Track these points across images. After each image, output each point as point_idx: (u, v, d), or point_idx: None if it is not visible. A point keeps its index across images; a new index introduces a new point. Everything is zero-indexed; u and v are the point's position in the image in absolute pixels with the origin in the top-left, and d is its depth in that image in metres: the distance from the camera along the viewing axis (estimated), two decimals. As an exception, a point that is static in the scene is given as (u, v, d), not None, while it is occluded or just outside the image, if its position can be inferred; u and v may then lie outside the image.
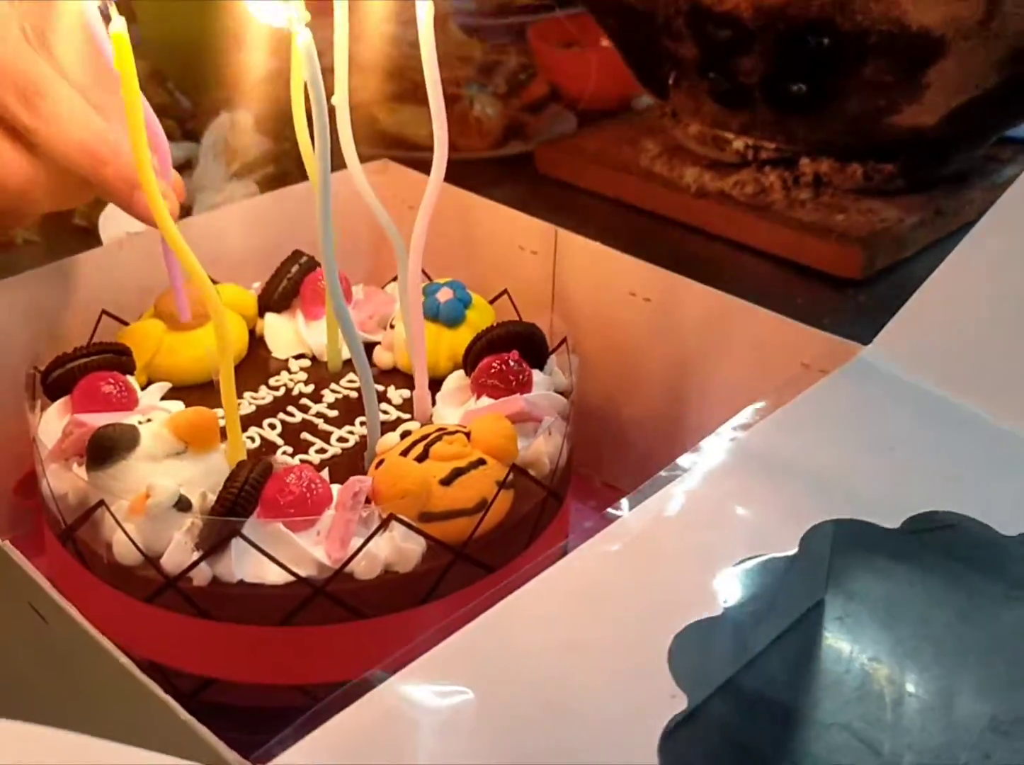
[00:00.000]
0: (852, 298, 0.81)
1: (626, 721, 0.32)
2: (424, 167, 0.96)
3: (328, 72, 1.04)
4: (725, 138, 0.88)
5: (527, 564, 0.44)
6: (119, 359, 0.50)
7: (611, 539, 0.37)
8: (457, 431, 0.45)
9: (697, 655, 0.34)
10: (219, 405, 0.46)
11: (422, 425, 0.49)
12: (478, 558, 0.44)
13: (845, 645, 0.47)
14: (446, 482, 0.43)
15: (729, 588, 0.35)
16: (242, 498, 0.41)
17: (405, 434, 0.47)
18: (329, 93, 1.05)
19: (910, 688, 0.46)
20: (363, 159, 0.51)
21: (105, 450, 0.44)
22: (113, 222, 0.60)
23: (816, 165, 0.87)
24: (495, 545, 0.45)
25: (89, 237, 0.69)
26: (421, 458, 0.44)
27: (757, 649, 0.46)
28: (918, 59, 0.73)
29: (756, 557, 0.37)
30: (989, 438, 0.42)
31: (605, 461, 0.60)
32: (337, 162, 0.66)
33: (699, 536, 0.38)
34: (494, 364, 0.49)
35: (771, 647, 0.48)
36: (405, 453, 0.44)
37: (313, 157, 0.50)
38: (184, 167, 0.93)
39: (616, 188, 0.93)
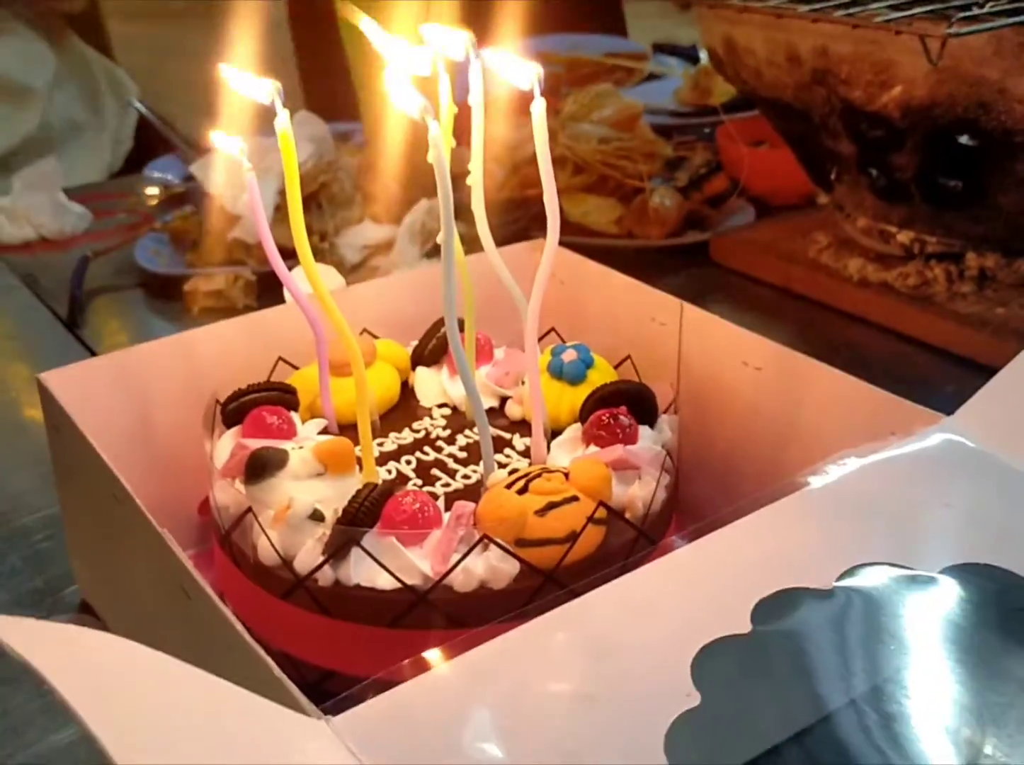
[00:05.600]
0: (1004, 389, 0.82)
1: (643, 711, 0.36)
2: (602, 251, 1.04)
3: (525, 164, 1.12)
4: (890, 232, 0.91)
5: (615, 595, 0.49)
6: (285, 397, 0.58)
7: (664, 565, 0.42)
8: (557, 471, 0.51)
9: (721, 666, 0.38)
10: (374, 437, 0.54)
11: (538, 468, 0.55)
12: (567, 583, 0.49)
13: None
14: (541, 513, 0.49)
15: (760, 614, 0.39)
16: (362, 512, 0.48)
17: (514, 472, 0.53)
18: (531, 181, 1.12)
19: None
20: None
21: (258, 468, 0.52)
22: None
23: (982, 260, 0.88)
24: (584, 574, 0.49)
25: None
26: (522, 491, 0.50)
27: (830, 695, 0.49)
28: (1068, 157, 0.75)
29: (793, 589, 0.40)
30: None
31: (719, 511, 0.64)
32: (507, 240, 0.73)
33: (741, 567, 0.42)
34: (603, 417, 0.55)
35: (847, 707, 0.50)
36: (509, 486, 0.50)
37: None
38: (385, 247, 1.03)
39: (783, 277, 0.97)
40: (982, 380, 0.87)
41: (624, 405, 0.56)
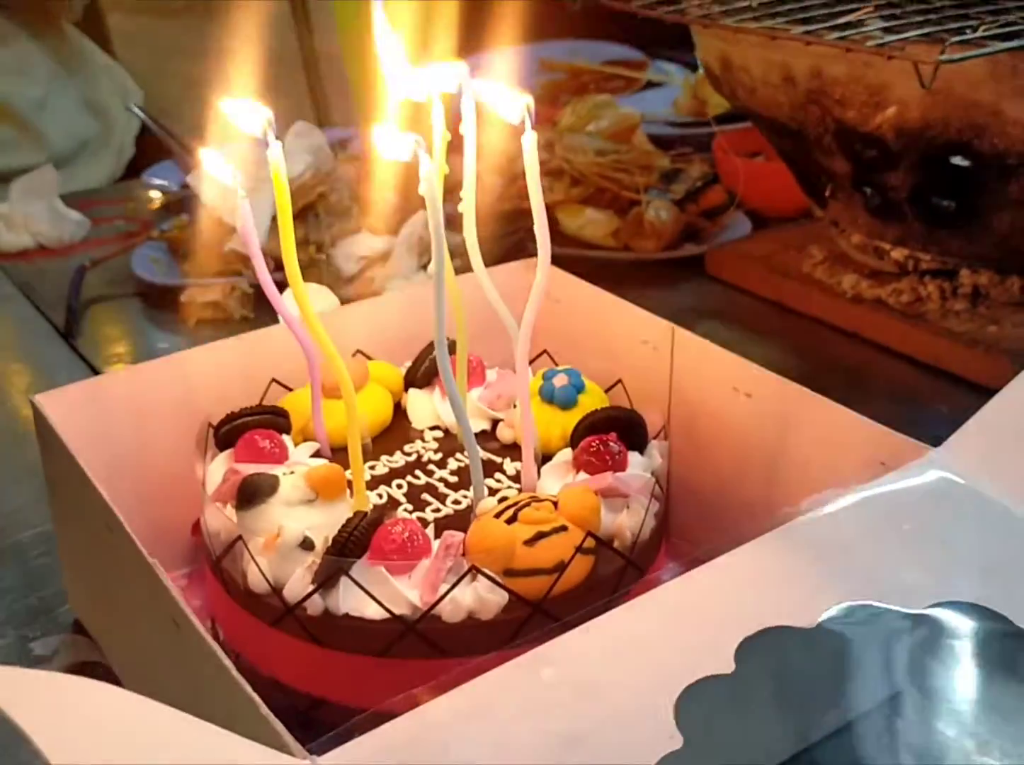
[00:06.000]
0: (997, 408, 0.83)
1: (626, 754, 0.37)
2: (598, 264, 1.04)
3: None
4: (885, 248, 0.92)
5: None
6: (278, 420, 0.59)
7: (649, 600, 0.43)
8: (546, 500, 0.51)
9: (703, 707, 0.38)
10: (366, 459, 0.56)
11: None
12: (555, 613, 0.49)
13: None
14: (529, 543, 0.49)
15: (744, 652, 0.40)
16: (351, 541, 0.49)
17: (504, 500, 0.53)
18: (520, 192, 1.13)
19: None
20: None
21: (250, 494, 0.52)
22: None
23: (975, 277, 0.89)
24: (572, 604, 0.50)
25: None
26: (511, 520, 0.50)
27: (817, 723, 0.49)
28: (1061, 180, 0.75)
29: (776, 627, 0.41)
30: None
31: (709, 538, 0.65)
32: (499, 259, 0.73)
33: (726, 604, 0.42)
34: (593, 443, 0.55)
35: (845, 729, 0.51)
36: (498, 515, 0.51)
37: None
38: (382, 258, 1.03)
39: (777, 292, 0.98)
40: (973, 399, 0.87)
41: (614, 432, 0.56)
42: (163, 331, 0.99)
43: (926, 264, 0.90)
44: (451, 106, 0.55)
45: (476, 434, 0.62)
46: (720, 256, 1.03)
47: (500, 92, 0.49)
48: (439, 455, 0.60)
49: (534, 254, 0.54)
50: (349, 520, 0.49)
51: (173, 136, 1.30)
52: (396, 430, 0.62)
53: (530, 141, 0.49)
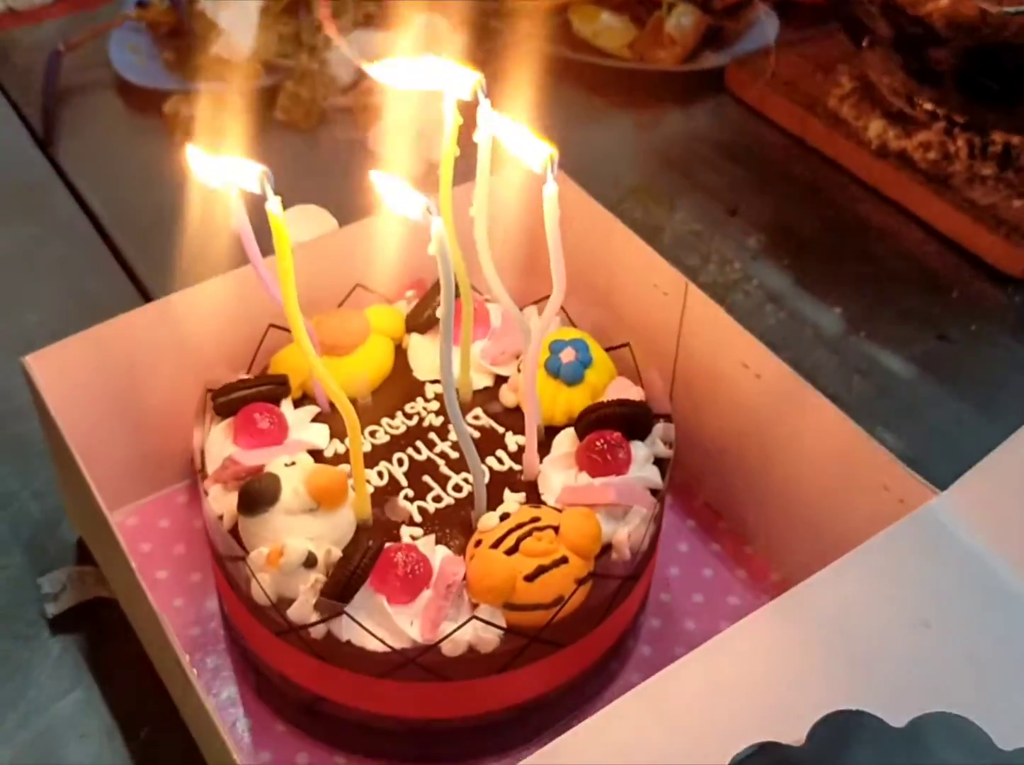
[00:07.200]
0: (1010, 298, 0.81)
1: None
2: (612, 74, 0.97)
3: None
4: (917, 101, 0.86)
5: (598, 640, 0.52)
6: (276, 390, 0.57)
7: (641, 699, 0.44)
8: (547, 527, 0.51)
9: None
10: (367, 422, 0.57)
11: (528, 481, 0.55)
12: (551, 639, 0.51)
13: None
14: (530, 578, 0.50)
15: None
16: (354, 579, 0.49)
17: (505, 516, 0.53)
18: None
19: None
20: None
21: (252, 502, 0.52)
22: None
23: (1008, 136, 0.84)
24: (569, 628, 0.51)
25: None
26: (511, 550, 0.51)
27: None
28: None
29: (766, 744, 0.42)
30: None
31: (707, 485, 0.65)
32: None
33: (719, 711, 0.43)
34: (597, 442, 0.54)
35: None
36: (498, 543, 0.51)
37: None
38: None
39: (799, 125, 0.92)
40: (989, 285, 0.85)
41: (620, 427, 0.55)
42: (148, 144, 0.93)
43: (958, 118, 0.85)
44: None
45: (477, 391, 0.61)
46: (741, 74, 0.96)
47: (521, 135, 0.45)
48: (440, 420, 0.59)
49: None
50: (350, 554, 0.50)
51: None
52: (397, 381, 0.61)
53: (551, 191, 0.44)
